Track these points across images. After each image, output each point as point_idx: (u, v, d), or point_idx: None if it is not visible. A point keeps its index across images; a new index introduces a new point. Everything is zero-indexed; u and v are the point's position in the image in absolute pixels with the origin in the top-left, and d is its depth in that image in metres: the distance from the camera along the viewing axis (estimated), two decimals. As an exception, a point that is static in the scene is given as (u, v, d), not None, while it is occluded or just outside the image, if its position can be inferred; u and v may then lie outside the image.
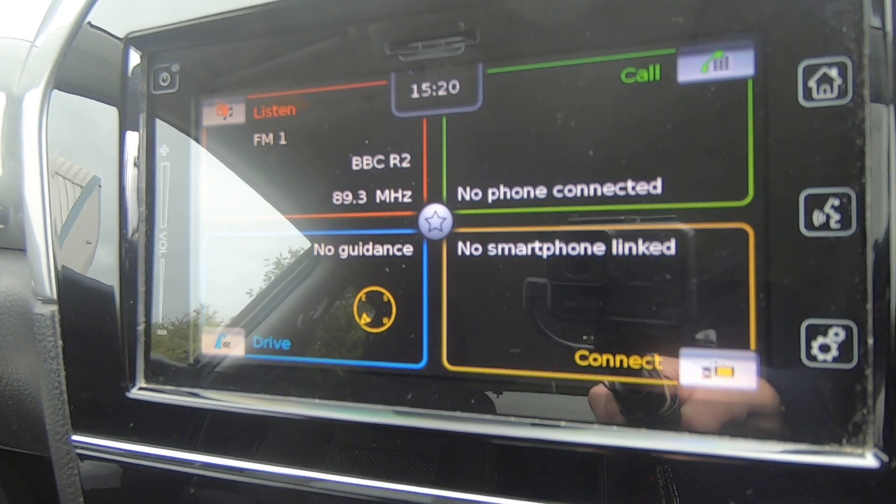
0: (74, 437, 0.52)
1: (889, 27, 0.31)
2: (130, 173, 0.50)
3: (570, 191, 0.39)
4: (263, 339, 0.47)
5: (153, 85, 0.51)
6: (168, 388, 0.49)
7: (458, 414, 0.40)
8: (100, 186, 0.52)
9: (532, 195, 0.40)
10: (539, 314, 0.39)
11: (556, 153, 0.39)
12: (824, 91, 0.33)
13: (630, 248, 0.37)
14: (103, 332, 0.50)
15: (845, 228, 0.33)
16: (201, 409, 0.47)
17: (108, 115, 0.51)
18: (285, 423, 0.44)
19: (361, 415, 0.42)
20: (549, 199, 0.39)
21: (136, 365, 0.50)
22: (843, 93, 0.33)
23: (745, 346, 0.35)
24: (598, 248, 0.38)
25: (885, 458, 0.31)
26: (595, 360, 0.38)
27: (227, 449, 0.46)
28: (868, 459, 0.31)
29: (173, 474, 0.47)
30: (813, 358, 0.33)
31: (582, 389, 0.38)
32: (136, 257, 0.50)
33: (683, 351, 0.36)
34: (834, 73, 0.33)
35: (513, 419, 0.38)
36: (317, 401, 0.44)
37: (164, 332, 0.50)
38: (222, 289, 0.49)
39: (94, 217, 0.52)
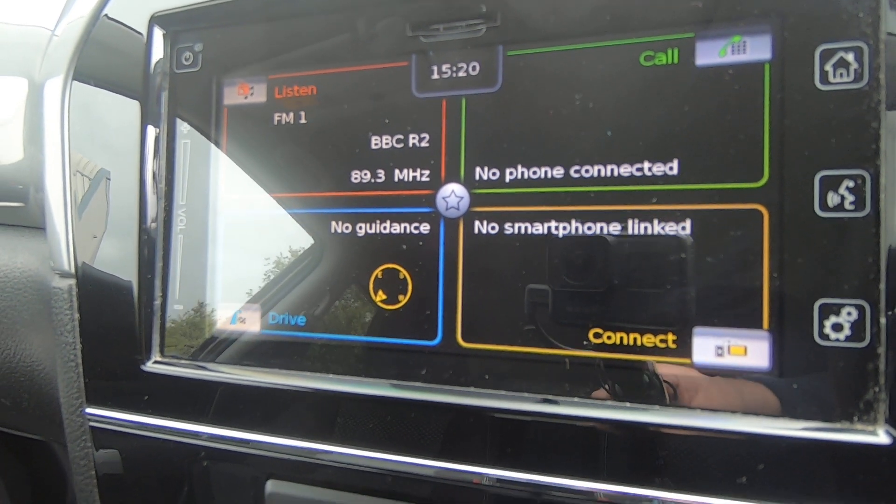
0: (88, 410, 0.52)
1: (906, 11, 0.32)
2: (151, 151, 0.51)
3: (587, 171, 0.40)
4: (279, 315, 0.48)
5: (176, 64, 0.52)
6: (183, 362, 0.49)
7: (472, 389, 0.41)
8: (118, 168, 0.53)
9: (549, 175, 0.41)
10: (553, 291, 0.40)
11: (574, 134, 0.40)
12: (840, 75, 0.34)
13: (646, 228, 0.38)
14: (120, 307, 0.51)
15: (859, 209, 0.33)
16: (215, 382, 0.47)
17: (130, 93, 0.52)
18: (299, 396, 0.45)
19: (375, 389, 0.42)
20: (566, 180, 0.40)
21: (152, 339, 0.50)
22: (859, 77, 0.34)
23: (759, 326, 0.36)
24: (615, 228, 0.39)
25: (896, 434, 0.31)
26: (609, 338, 0.39)
27: (239, 422, 0.46)
28: (880, 436, 0.31)
29: (186, 447, 0.48)
30: (826, 337, 0.34)
31: (594, 367, 0.39)
32: (154, 233, 0.51)
33: (697, 330, 0.37)
34: (850, 57, 0.34)
35: (526, 395, 0.39)
36: (331, 376, 0.44)
37: (181, 307, 0.50)
38: (239, 265, 0.49)
39: (115, 194, 0.53)
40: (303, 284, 0.47)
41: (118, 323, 0.51)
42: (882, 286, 0.32)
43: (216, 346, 0.49)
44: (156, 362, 0.50)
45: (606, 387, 0.38)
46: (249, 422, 0.46)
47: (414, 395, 0.41)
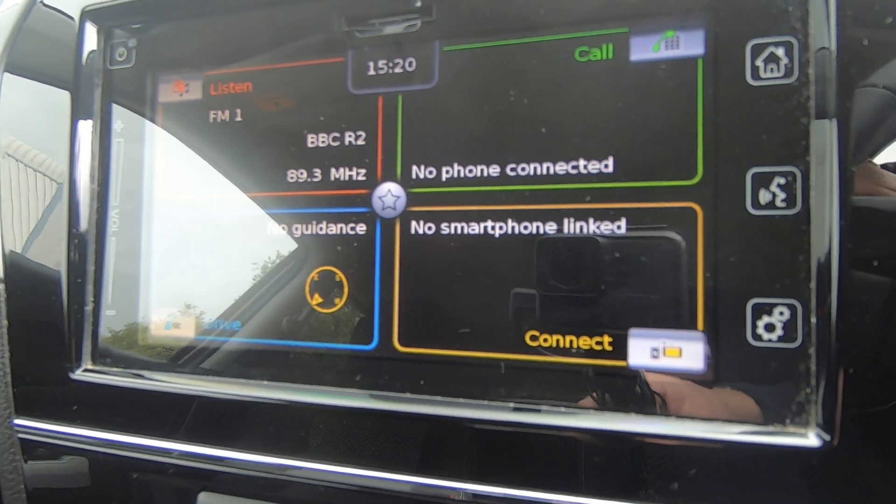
0: (17, 421, 0.50)
1: (832, 5, 0.31)
2: (83, 149, 0.49)
3: (523, 169, 0.39)
4: (214, 319, 0.46)
5: (109, 60, 0.50)
6: (115, 370, 0.47)
7: (407, 395, 0.39)
8: (51, 164, 0.51)
9: (486, 174, 0.39)
10: (489, 293, 0.39)
11: (510, 132, 0.39)
12: (771, 70, 0.33)
13: (581, 228, 0.37)
14: (50, 312, 0.49)
15: (791, 207, 0.33)
16: (147, 391, 0.45)
17: (61, 90, 0.50)
18: (231, 405, 0.43)
19: (309, 396, 0.41)
20: (503, 178, 0.39)
21: (83, 346, 0.48)
22: (789, 72, 0.33)
23: (693, 326, 0.35)
24: (550, 228, 0.38)
25: (827, 437, 0.30)
26: (545, 340, 0.38)
27: (170, 432, 0.44)
28: (810, 439, 0.31)
29: (116, 459, 0.46)
30: (758, 337, 0.33)
31: (531, 370, 0.38)
32: (86, 235, 0.49)
33: (632, 331, 0.36)
34: (780, 52, 0.33)
35: (460, 400, 0.38)
36: (265, 382, 0.43)
37: (113, 313, 0.48)
38: (174, 269, 0.47)
39: (45, 195, 0.51)
40: (238, 288, 0.45)
41: (48, 329, 0.49)
42: (813, 285, 0.32)
43: (149, 353, 0.47)
44: (86, 370, 0.48)
45: (544, 390, 0.37)
46: (181, 432, 0.44)
47: (347, 401, 0.39)
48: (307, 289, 0.43)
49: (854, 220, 0.31)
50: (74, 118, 0.49)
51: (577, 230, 0.37)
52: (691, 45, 0.35)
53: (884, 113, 0.32)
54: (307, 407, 0.40)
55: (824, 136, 0.31)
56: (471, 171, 0.40)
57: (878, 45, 0.31)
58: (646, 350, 0.35)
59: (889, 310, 0.31)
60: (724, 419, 0.33)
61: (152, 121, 0.48)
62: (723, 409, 0.33)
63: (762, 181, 0.33)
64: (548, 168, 0.38)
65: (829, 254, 0.31)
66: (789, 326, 0.32)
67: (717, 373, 0.34)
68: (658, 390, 0.35)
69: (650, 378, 0.35)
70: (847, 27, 0.31)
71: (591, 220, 0.37)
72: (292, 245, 0.44)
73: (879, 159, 0.32)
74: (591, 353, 0.36)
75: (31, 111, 0.52)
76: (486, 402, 0.37)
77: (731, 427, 0.32)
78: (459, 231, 0.40)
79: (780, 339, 0.32)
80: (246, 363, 0.44)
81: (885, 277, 0.31)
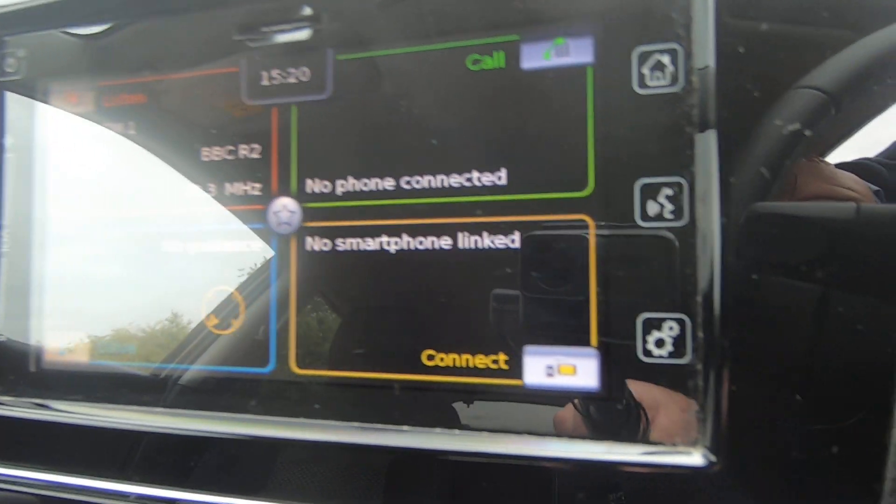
0: None
1: (710, 11, 0.30)
2: (-29, 166, 0.47)
3: (417, 182, 0.37)
4: (108, 343, 0.44)
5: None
6: (5, 398, 0.45)
7: (302, 420, 0.37)
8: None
9: (380, 187, 0.38)
10: (386, 312, 0.37)
11: (404, 143, 0.37)
12: (657, 78, 0.32)
13: (476, 242, 0.36)
14: (-63, 339, 0.46)
15: (678, 219, 0.32)
16: (38, 420, 0.43)
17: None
18: (125, 435, 0.41)
19: (202, 424, 0.39)
20: (397, 192, 0.38)
21: (-29, 374, 0.45)
22: (674, 80, 0.32)
23: (587, 343, 0.34)
24: (445, 243, 0.37)
25: (713, 457, 0.29)
26: (442, 360, 0.36)
27: (64, 465, 0.42)
28: (696, 458, 0.30)
29: (6, 494, 0.43)
30: (649, 353, 0.32)
31: (428, 390, 0.36)
32: (-24, 257, 0.46)
33: (527, 349, 0.35)
34: (666, 59, 0.32)
35: (354, 425, 0.36)
36: (159, 409, 0.41)
37: (3, 338, 0.46)
38: (68, 290, 0.45)
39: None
40: (132, 309, 0.43)
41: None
42: (699, 298, 0.31)
43: (42, 380, 0.45)
44: (-26, 400, 0.45)
45: (440, 412, 0.36)
46: (73, 464, 0.42)
47: (239, 428, 0.38)
48: (203, 309, 0.41)
49: (745, 231, 0.30)
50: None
51: (472, 245, 0.36)
52: (581, 52, 0.34)
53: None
54: (194, 436, 0.38)
55: (708, 145, 0.31)
56: (366, 184, 0.38)
57: (755, 52, 0.30)
58: (541, 368, 0.34)
59: (775, 324, 0.30)
60: (614, 439, 0.32)
61: (44, 135, 0.46)
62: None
63: (650, 192, 0.32)
64: (442, 181, 0.36)
65: (711, 267, 0.30)
66: (678, 342, 0.31)
67: (610, 390, 0.33)
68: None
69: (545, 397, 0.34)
70: (725, 34, 0.30)
71: (485, 235, 0.36)
72: (188, 264, 0.42)
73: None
74: (487, 372, 0.35)
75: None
76: (379, 426, 0.36)
77: (618, 447, 0.31)
78: (355, 247, 0.38)
79: (671, 354, 0.31)
80: (139, 389, 0.42)
81: (772, 291, 0.30)
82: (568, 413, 0.34)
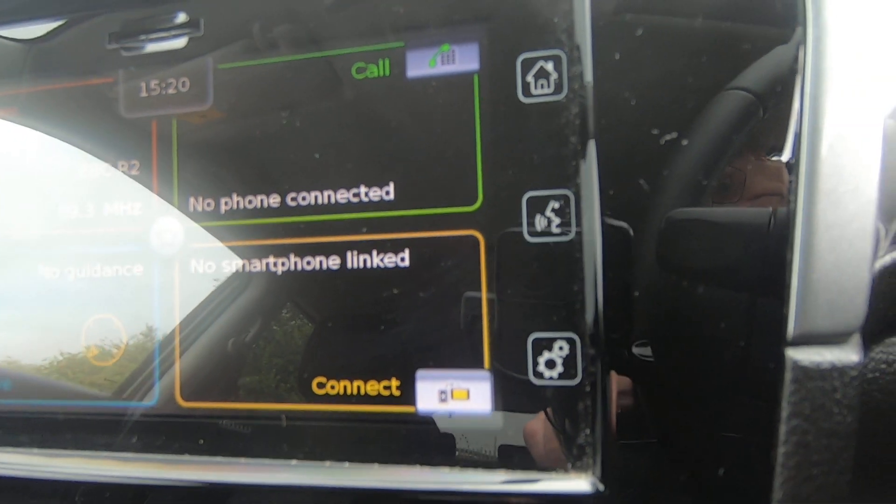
0: None
1: (587, 17, 0.29)
2: None
3: (303, 199, 0.35)
4: (-18, 379, 0.40)
5: None
6: None
7: (185, 457, 0.35)
8: None
9: (266, 204, 0.36)
10: (274, 339, 0.35)
11: (289, 158, 0.35)
12: (542, 86, 0.31)
13: (365, 261, 0.34)
14: None
15: (565, 233, 0.30)
16: None
17: None
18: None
19: (79, 466, 0.36)
20: (283, 209, 0.35)
21: None
22: (558, 88, 0.31)
23: (480, 366, 0.32)
24: (334, 262, 0.35)
25: (602, 486, 0.28)
26: (332, 387, 0.34)
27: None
28: (583, 485, 0.28)
29: None
30: (540, 375, 0.30)
31: (318, 420, 0.34)
32: None
33: (419, 373, 0.33)
34: (550, 66, 0.31)
35: (241, 461, 0.34)
36: (35, 450, 0.38)
37: None
38: (-61, 322, 0.42)
39: None
40: (7, 341, 0.40)
41: None
42: (588, 317, 0.30)
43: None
44: None
45: (330, 443, 0.34)
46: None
47: (118, 469, 0.35)
48: (82, 339, 0.38)
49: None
50: None
51: (361, 264, 0.34)
52: (466, 59, 0.33)
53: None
54: (71, 480, 0.35)
55: (590, 156, 0.30)
56: (251, 201, 0.36)
57: (638, 57, 0.29)
58: (434, 393, 0.33)
59: (662, 343, 0.29)
60: (506, 467, 0.30)
61: None
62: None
63: (537, 206, 0.31)
64: (329, 196, 0.34)
65: (595, 282, 0.29)
66: (568, 362, 0.30)
67: (504, 415, 0.31)
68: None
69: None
70: (602, 40, 0.29)
71: (374, 253, 0.34)
72: (66, 290, 0.39)
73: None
74: (379, 399, 0.33)
75: None
76: (265, 462, 0.33)
77: (511, 475, 0.30)
78: (241, 268, 0.36)
79: (561, 375, 0.30)
80: (15, 428, 0.39)
81: (658, 307, 0.29)
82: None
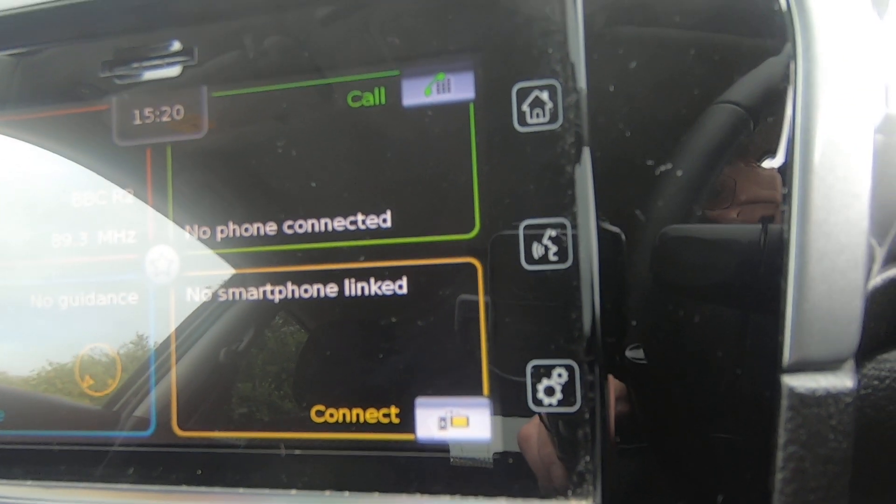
0: None
1: (580, 47, 0.29)
2: None
3: (300, 227, 0.35)
4: (-26, 410, 0.40)
5: None
6: None
7: (183, 488, 0.35)
8: None
9: (262, 232, 0.36)
10: (272, 368, 0.35)
11: (285, 186, 0.35)
12: (537, 115, 0.31)
13: (363, 289, 0.34)
14: None
15: (562, 261, 0.31)
16: None
17: None
18: (-9, 512, 0.37)
19: (73, 497, 0.35)
20: (280, 237, 0.35)
21: None
22: (553, 117, 0.31)
23: (479, 392, 0.32)
24: (332, 290, 0.35)
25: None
26: (331, 415, 0.34)
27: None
28: (584, 514, 0.29)
29: None
30: (539, 402, 0.31)
31: (318, 449, 0.34)
32: None
33: (419, 401, 0.33)
34: (545, 96, 0.31)
35: (239, 491, 0.34)
36: (29, 482, 0.37)
37: None
38: (-71, 352, 0.41)
39: None
40: (0, 372, 0.40)
41: None
42: (586, 344, 0.30)
43: None
44: None
45: (329, 472, 0.33)
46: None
47: (113, 500, 0.35)
48: (77, 370, 0.38)
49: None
50: None
51: (359, 292, 0.34)
52: (462, 88, 0.33)
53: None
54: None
55: (586, 185, 0.30)
56: (247, 229, 0.36)
57: (626, 89, 0.29)
58: (434, 420, 0.33)
59: (660, 372, 0.29)
60: (507, 494, 0.30)
61: None
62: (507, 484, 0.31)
63: (534, 234, 0.31)
64: (326, 224, 0.34)
65: (593, 310, 0.29)
66: (567, 389, 0.30)
67: (504, 442, 0.32)
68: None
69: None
70: (597, 70, 0.29)
71: (372, 280, 0.34)
72: (59, 320, 0.39)
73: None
74: (378, 426, 0.33)
75: None
76: (265, 491, 0.33)
77: (513, 503, 0.30)
78: (238, 297, 0.36)
79: (560, 402, 0.30)
80: (8, 459, 0.38)
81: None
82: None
